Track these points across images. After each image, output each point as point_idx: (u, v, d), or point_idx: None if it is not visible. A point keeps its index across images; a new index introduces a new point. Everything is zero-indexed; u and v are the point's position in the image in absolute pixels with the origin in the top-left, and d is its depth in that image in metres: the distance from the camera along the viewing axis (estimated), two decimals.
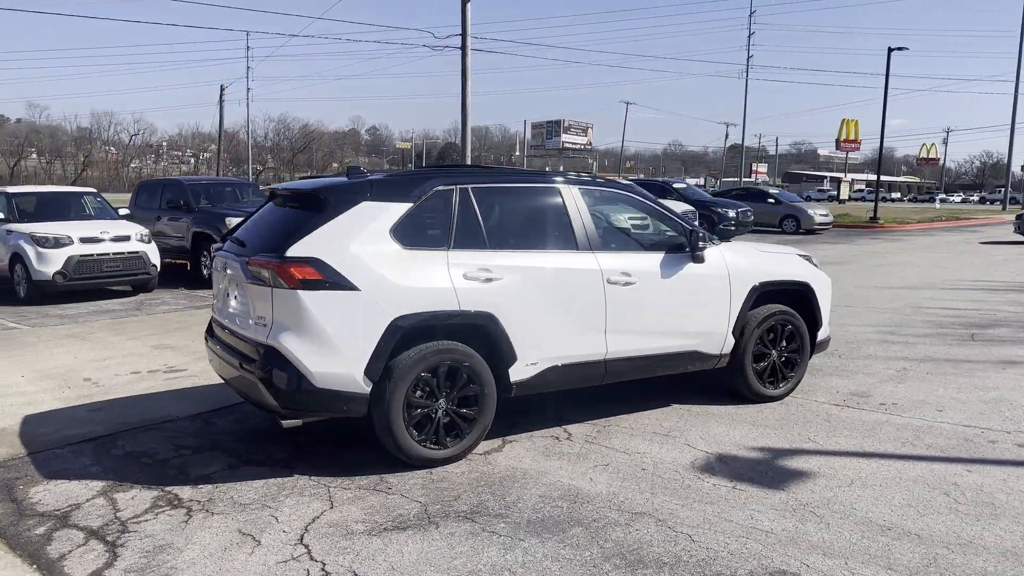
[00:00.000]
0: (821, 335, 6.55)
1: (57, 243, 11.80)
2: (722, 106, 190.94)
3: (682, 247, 5.74)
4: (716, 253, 5.92)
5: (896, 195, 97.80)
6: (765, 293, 6.17)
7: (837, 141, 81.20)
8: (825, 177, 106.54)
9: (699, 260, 5.78)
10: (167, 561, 3.76)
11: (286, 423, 4.70)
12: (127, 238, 12.49)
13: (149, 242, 12.85)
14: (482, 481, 4.68)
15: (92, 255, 12.01)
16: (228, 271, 5.17)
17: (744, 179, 66.08)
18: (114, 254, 12.25)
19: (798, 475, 4.75)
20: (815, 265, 6.65)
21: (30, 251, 11.71)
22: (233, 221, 12.43)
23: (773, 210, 28.10)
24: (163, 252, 13.61)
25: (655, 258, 5.65)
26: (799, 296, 6.38)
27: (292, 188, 5.28)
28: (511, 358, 5.04)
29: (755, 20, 60.66)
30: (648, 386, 6.53)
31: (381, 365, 4.65)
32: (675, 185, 25.48)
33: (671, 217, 5.91)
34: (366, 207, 4.78)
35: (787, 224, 27.79)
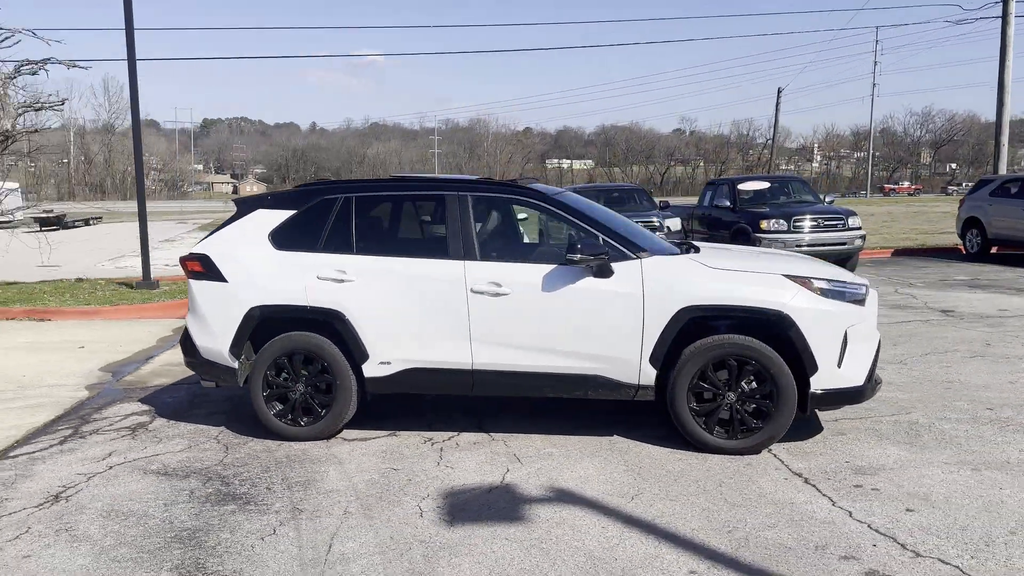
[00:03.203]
0: (821, 383, 5.00)
1: None
2: None
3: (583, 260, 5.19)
4: (631, 268, 5.16)
5: None
6: (705, 319, 5.10)
7: None
8: None
9: (602, 274, 5.15)
10: (63, 450, 5.47)
11: (203, 383, 6.00)
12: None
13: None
14: (279, 459, 5.29)
15: None
16: None
17: None
18: None
19: (494, 519, 4.22)
20: (836, 290, 5.08)
21: None
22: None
23: None
24: None
25: (540, 269, 5.25)
26: (774, 328, 5.03)
27: (236, 196, 6.43)
28: (362, 355, 5.44)
29: None
30: (618, 412, 5.92)
31: (242, 345, 5.61)
32: None
33: (585, 228, 5.35)
34: (260, 213, 5.76)
35: None
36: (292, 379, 5.57)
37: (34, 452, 5.57)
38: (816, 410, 5.21)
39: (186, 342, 5.88)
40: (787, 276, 5.08)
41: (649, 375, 5.16)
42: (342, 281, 5.44)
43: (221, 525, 4.25)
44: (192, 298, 5.77)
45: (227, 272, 5.63)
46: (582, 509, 4.34)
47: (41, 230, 43.19)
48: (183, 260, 5.85)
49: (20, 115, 13.30)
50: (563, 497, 4.51)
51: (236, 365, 5.65)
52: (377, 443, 5.55)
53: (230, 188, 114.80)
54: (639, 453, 5.20)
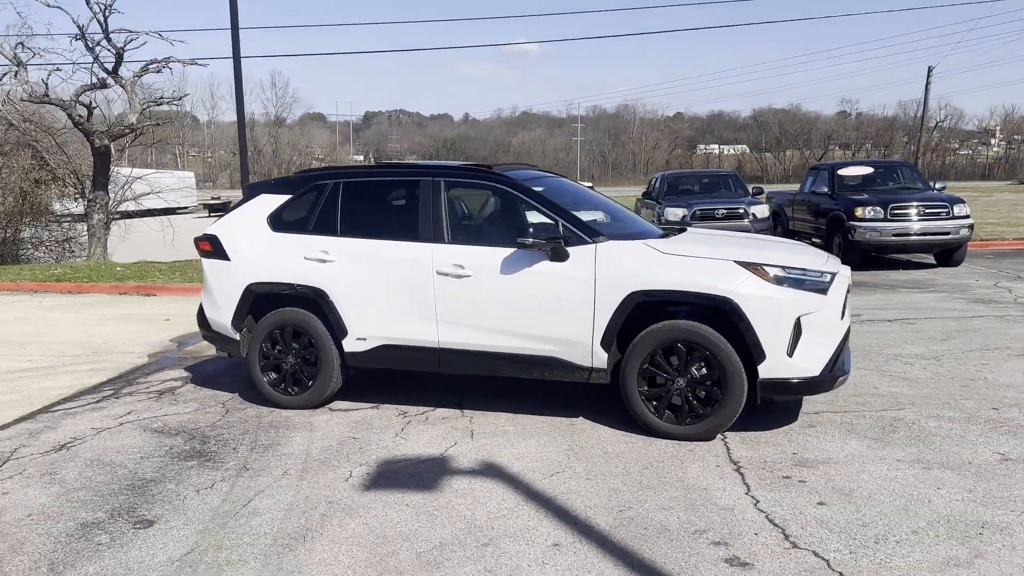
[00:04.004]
0: (771, 372, 4.89)
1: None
2: None
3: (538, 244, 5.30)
4: (585, 252, 5.22)
5: None
6: (656, 304, 5.10)
7: None
8: None
9: (558, 258, 5.26)
10: (95, 408, 6.19)
11: (218, 353, 6.56)
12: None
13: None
14: (263, 424, 5.74)
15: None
16: None
17: None
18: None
19: (408, 487, 4.47)
20: (793, 278, 4.94)
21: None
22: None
23: None
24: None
25: (500, 253, 5.41)
26: (721, 314, 4.97)
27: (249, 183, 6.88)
28: (342, 331, 5.81)
29: None
30: (592, 397, 5.98)
31: (242, 319, 6.12)
32: None
33: (547, 213, 5.45)
34: (262, 198, 6.23)
35: None
36: (284, 352, 6.01)
37: (72, 408, 6.30)
38: (771, 399, 5.08)
39: (200, 316, 6.45)
40: (738, 262, 4.99)
41: (601, 358, 5.21)
42: (325, 261, 5.81)
43: (173, 478, 4.72)
44: (204, 274, 6.33)
45: (231, 251, 6.13)
46: (496, 482, 4.50)
47: (210, 215, 47.03)
48: (196, 240, 6.42)
49: (144, 109, 14.67)
50: (487, 471, 4.68)
51: (238, 337, 6.15)
52: (357, 414, 5.90)
53: None
54: (591, 435, 5.27)
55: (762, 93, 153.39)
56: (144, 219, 17.39)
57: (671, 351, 5.07)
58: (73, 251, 19.39)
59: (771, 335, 4.85)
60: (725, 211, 14.62)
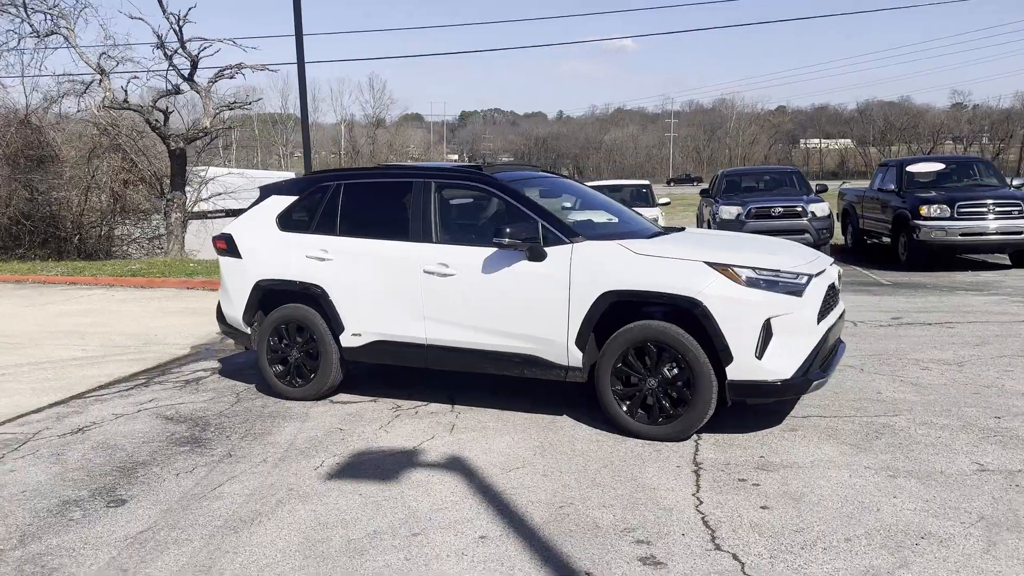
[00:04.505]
0: (739, 374, 4.83)
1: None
2: None
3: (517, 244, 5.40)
4: (561, 252, 5.29)
5: None
6: (630, 304, 5.13)
7: None
8: None
9: (535, 257, 5.35)
10: (123, 395, 6.65)
11: (235, 347, 6.92)
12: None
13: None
14: (264, 414, 6.03)
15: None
16: None
17: None
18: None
19: (369, 477, 4.65)
20: (766, 279, 4.87)
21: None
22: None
23: None
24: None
25: (482, 252, 5.53)
26: (689, 315, 4.95)
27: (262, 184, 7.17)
28: (339, 327, 6.05)
29: None
30: (583, 395, 6.03)
31: (252, 313, 6.44)
32: None
33: (527, 214, 5.52)
34: (272, 199, 6.53)
35: None
36: (289, 346, 6.29)
37: (103, 395, 6.76)
38: (742, 401, 5.01)
39: (218, 311, 6.82)
40: (708, 263, 4.95)
41: (576, 357, 5.27)
42: (324, 260, 6.06)
43: (161, 461, 5.04)
44: (221, 271, 6.69)
45: (242, 250, 6.46)
46: (453, 476, 4.63)
47: None
48: (214, 239, 6.78)
49: (217, 114, 15.42)
50: (450, 464, 4.82)
51: (249, 331, 6.48)
52: (354, 407, 6.12)
53: None
54: (566, 433, 5.33)
55: (868, 85, 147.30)
56: (214, 219, 18.29)
57: (643, 351, 5.08)
58: (162, 247, 20.48)
59: (739, 337, 4.80)
60: (782, 209, 14.27)
